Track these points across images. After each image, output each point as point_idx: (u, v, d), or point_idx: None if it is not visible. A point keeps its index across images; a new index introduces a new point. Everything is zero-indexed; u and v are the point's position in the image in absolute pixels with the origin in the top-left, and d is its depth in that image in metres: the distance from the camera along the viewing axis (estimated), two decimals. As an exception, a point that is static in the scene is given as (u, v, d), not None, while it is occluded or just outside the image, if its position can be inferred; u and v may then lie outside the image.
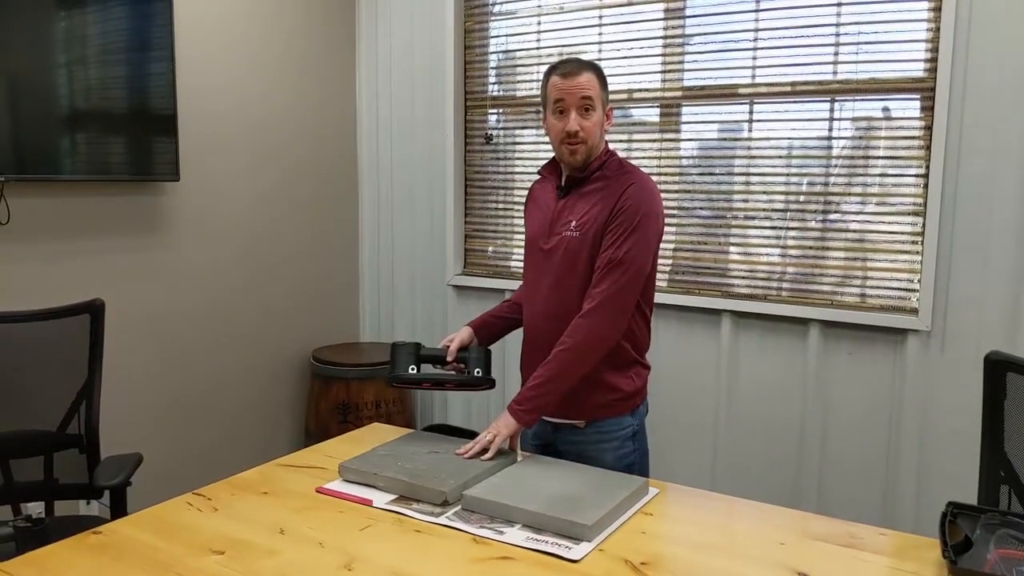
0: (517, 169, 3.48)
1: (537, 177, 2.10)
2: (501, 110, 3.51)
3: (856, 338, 2.71)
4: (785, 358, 2.83)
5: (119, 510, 2.14)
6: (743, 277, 2.93)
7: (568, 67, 1.88)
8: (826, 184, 2.76)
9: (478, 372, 2.00)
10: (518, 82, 3.44)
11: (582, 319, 1.85)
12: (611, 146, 1.98)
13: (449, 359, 2.01)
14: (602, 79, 1.91)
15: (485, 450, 1.83)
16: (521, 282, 2.16)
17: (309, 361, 3.56)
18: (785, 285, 2.86)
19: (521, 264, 3.48)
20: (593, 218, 1.88)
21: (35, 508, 2.22)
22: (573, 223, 1.91)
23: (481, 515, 1.62)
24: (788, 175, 2.82)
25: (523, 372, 2.07)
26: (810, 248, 2.81)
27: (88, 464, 2.29)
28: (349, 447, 2.03)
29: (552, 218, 1.96)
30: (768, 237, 2.87)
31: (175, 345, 3.09)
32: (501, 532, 1.55)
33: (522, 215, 2.19)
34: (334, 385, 3.35)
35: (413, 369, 1.99)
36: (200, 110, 3.08)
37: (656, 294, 2.02)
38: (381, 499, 1.70)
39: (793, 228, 2.83)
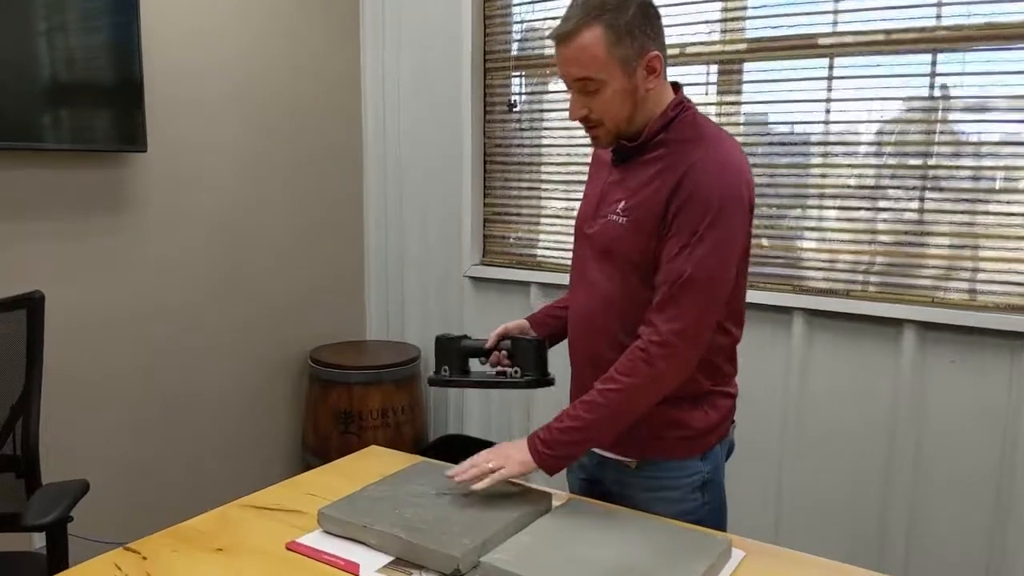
0: (545, 141, 3.02)
1: None
2: (526, 73, 3.05)
3: (962, 343, 2.23)
4: (870, 367, 2.35)
5: (57, 551, 1.72)
6: (820, 269, 2.46)
7: (561, 26, 1.37)
8: (927, 156, 2.28)
9: (516, 372, 1.61)
10: (546, 39, 2.98)
11: (641, 355, 1.37)
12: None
13: (488, 346, 1.64)
14: (617, 29, 1.35)
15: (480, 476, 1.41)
16: None
17: (307, 363, 3.13)
18: (873, 279, 2.38)
19: (551, 253, 3.06)
20: (645, 201, 1.40)
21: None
22: (621, 205, 1.43)
23: (506, 592, 1.18)
24: (879, 144, 2.34)
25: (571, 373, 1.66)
26: (906, 234, 2.33)
27: (27, 492, 1.88)
28: (335, 481, 1.59)
29: (600, 194, 1.50)
30: (852, 221, 2.39)
31: (140, 348, 2.64)
32: (534, 622, 1.10)
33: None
34: (334, 390, 2.92)
35: (445, 370, 1.65)
36: (171, 67, 2.62)
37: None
38: (372, 562, 1.27)
39: (884, 210, 2.35)
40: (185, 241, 2.74)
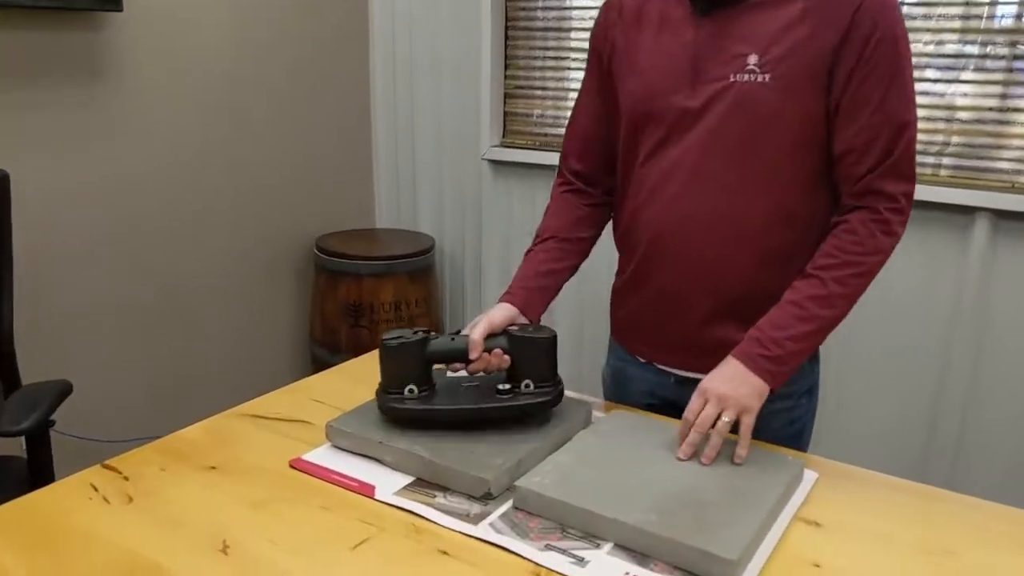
0: (575, 2, 2.70)
1: None
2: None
3: (1041, 235, 2.01)
4: (934, 259, 2.14)
5: (39, 459, 1.58)
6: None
7: None
8: (1019, 18, 1.98)
9: (528, 385, 1.19)
10: None
11: (880, 227, 1.14)
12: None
13: (474, 357, 1.19)
14: None
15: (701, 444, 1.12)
16: (564, 192, 1.41)
17: (312, 252, 2.92)
18: (946, 162, 2.12)
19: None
20: (798, 48, 1.12)
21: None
22: (753, 58, 1.14)
23: (545, 520, 1.01)
24: (966, 4, 2.04)
25: (617, 302, 1.41)
26: (988, 110, 2.06)
27: (6, 392, 1.73)
28: (344, 386, 1.42)
29: (695, 52, 1.19)
30: (928, 95, 2.12)
31: (124, 235, 2.42)
32: (581, 560, 0.93)
33: (580, 67, 1.37)
34: (343, 282, 2.72)
35: (411, 391, 1.19)
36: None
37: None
38: (389, 484, 1.09)
39: (966, 82, 2.07)
40: (171, 113, 2.47)
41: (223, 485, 1.09)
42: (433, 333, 1.22)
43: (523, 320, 1.28)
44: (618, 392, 1.43)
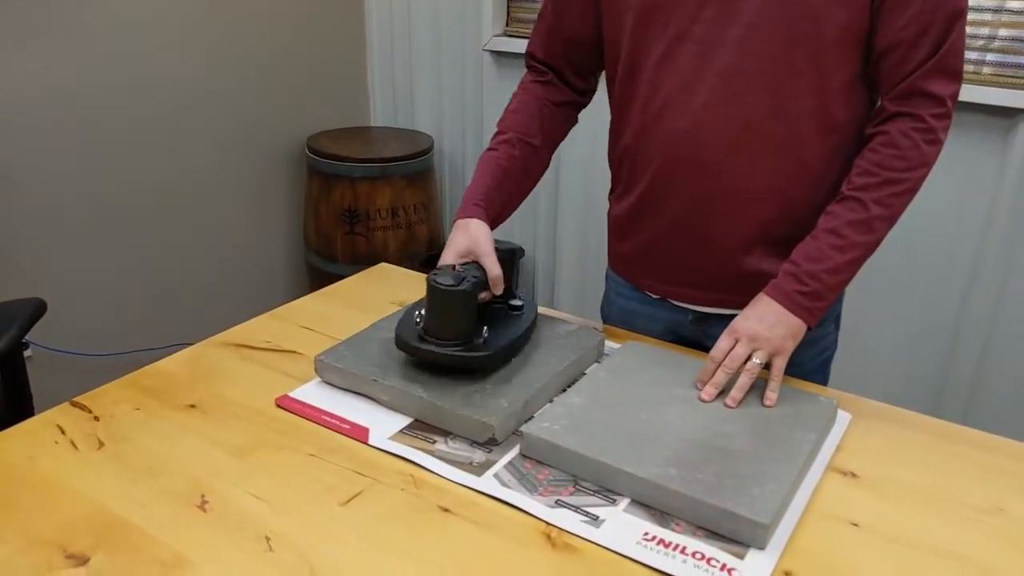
0: None
1: None
2: None
3: (1088, 140, 1.86)
4: (971, 166, 2.00)
5: (13, 380, 1.50)
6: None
7: None
8: None
9: (521, 296, 1.18)
10: None
11: (925, 137, 1.01)
12: None
13: (497, 292, 1.10)
14: None
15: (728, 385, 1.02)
16: (533, 84, 1.25)
17: (303, 152, 2.77)
18: (991, 58, 1.95)
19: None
20: None
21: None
22: None
23: (556, 472, 0.92)
24: None
25: (619, 231, 1.27)
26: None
27: (-23, 310, 1.62)
28: (336, 310, 1.31)
29: None
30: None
31: (99, 134, 2.26)
32: (596, 520, 0.85)
33: None
34: (337, 186, 2.58)
35: (481, 339, 1.06)
36: None
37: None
38: (384, 427, 1.00)
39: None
40: (153, 5, 2.29)
41: (202, 428, 0.99)
42: (463, 268, 1.08)
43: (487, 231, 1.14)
44: (632, 322, 1.31)
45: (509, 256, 1.14)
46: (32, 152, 2.12)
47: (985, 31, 1.94)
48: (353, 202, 2.57)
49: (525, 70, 1.28)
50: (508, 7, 2.72)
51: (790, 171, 1.08)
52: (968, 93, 1.91)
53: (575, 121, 1.28)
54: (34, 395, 1.57)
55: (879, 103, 1.06)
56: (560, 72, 1.24)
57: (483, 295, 1.09)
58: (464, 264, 1.08)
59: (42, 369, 2.18)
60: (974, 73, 1.97)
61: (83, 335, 2.31)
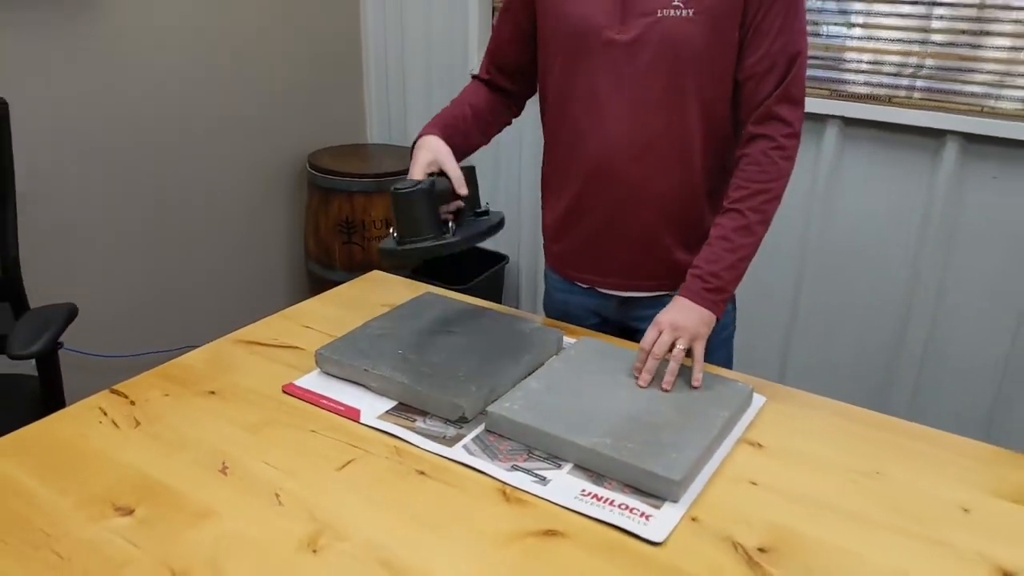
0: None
1: None
2: None
3: (1008, 158, 2.07)
4: (905, 182, 2.20)
5: (49, 378, 1.68)
6: (863, 71, 2.23)
7: None
8: (997, -60, 1.99)
9: (487, 205, 1.33)
10: None
11: (780, 153, 1.27)
12: None
13: (463, 193, 1.28)
14: None
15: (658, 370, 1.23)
16: (480, 84, 1.48)
17: (305, 168, 2.97)
18: (920, 84, 2.16)
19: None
20: None
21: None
22: None
23: (513, 443, 1.12)
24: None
25: (552, 235, 1.49)
26: (962, 33, 2.08)
27: (14, 315, 1.82)
28: (335, 312, 1.51)
29: None
30: (903, 17, 2.14)
31: (121, 155, 2.47)
32: (543, 479, 1.05)
33: None
34: (336, 199, 2.78)
35: (451, 227, 1.24)
36: None
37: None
38: (373, 408, 1.20)
39: (941, 4, 2.08)
40: (162, 31, 2.48)
41: (221, 410, 1.19)
42: (426, 179, 1.24)
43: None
44: (564, 321, 1.53)
45: (469, 171, 1.30)
46: (59, 170, 2.32)
47: (914, 60, 2.15)
48: (351, 214, 2.77)
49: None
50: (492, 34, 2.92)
51: (682, 175, 1.33)
52: (901, 116, 2.12)
53: (515, 110, 1.52)
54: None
55: (744, 127, 1.29)
56: (498, 87, 1.49)
57: (454, 204, 1.27)
58: (429, 175, 1.26)
59: (66, 368, 2.38)
60: (906, 98, 2.17)
61: (102, 337, 2.51)
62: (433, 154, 1.28)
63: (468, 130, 1.41)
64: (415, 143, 1.33)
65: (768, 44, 1.23)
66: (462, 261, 2.78)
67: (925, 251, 2.22)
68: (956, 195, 2.14)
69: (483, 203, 1.33)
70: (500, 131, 1.51)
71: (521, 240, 2.95)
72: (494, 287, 2.78)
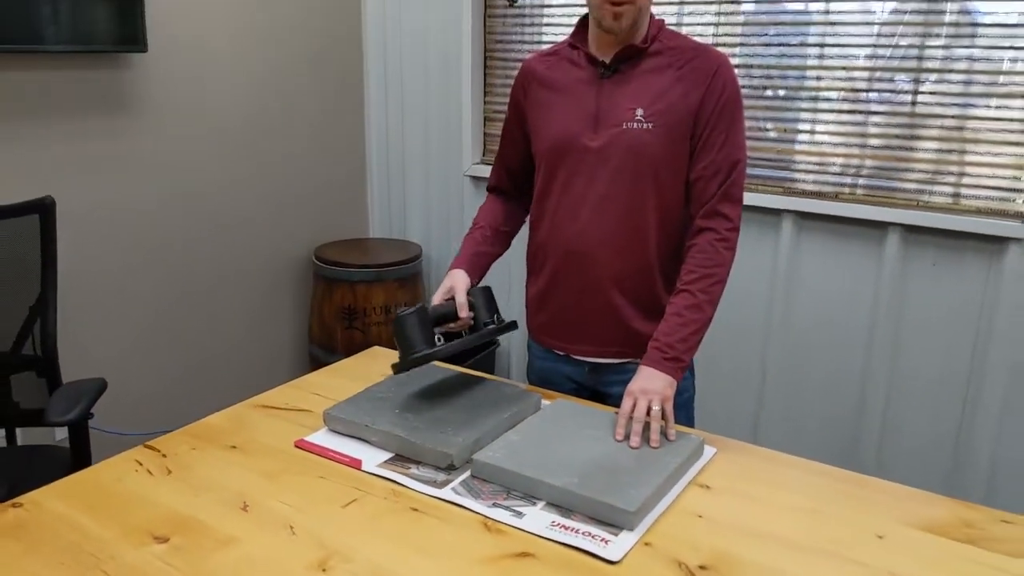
0: (546, 37, 3.00)
1: (533, 54, 1.67)
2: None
3: (944, 247, 2.30)
4: (855, 269, 2.43)
5: (79, 446, 1.85)
6: (810, 171, 2.50)
7: None
8: (920, 59, 2.28)
9: (496, 319, 1.60)
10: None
11: (723, 244, 1.50)
12: (656, 12, 1.56)
13: (464, 315, 1.55)
14: None
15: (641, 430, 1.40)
16: (494, 197, 1.78)
17: (311, 261, 3.21)
18: (861, 182, 2.42)
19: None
20: (673, 104, 1.48)
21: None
22: (639, 111, 1.49)
23: (495, 486, 1.29)
24: (873, 47, 2.34)
25: (534, 308, 1.71)
26: (895, 138, 2.35)
27: (48, 389, 2.00)
28: (339, 382, 1.70)
29: (597, 106, 1.53)
30: (844, 124, 2.42)
31: (149, 249, 2.72)
32: (519, 514, 1.22)
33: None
34: (338, 288, 3.01)
35: (440, 340, 1.50)
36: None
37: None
38: (373, 459, 1.38)
39: (876, 113, 2.37)
40: (188, 142, 2.77)
41: (242, 460, 1.37)
42: (421, 304, 1.54)
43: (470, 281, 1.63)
44: (544, 387, 1.73)
45: (485, 291, 1.60)
46: (95, 260, 2.56)
47: (856, 161, 2.41)
48: (352, 301, 2.99)
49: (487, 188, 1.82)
50: (484, 141, 3.23)
51: (641, 257, 1.56)
52: (847, 210, 2.37)
53: (524, 218, 1.79)
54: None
55: (693, 221, 1.53)
56: (506, 191, 1.76)
57: (459, 323, 1.55)
58: (447, 300, 1.57)
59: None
60: (850, 194, 2.43)
61: (127, 414, 2.68)
62: (451, 283, 1.60)
63: (489, 250, 1.71)
64: (447, 272, 1.65)
65: (713, 154, 1.49)
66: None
67: (877, 331, 2.43)
68: (901, 281, 2.36)
69: (492, 316, 1.59)
70: (518, 230, 1.79)
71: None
72: (486, 367, 2.97)
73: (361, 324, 3.00)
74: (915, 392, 2.42)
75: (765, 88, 2.51)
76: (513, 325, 1.61)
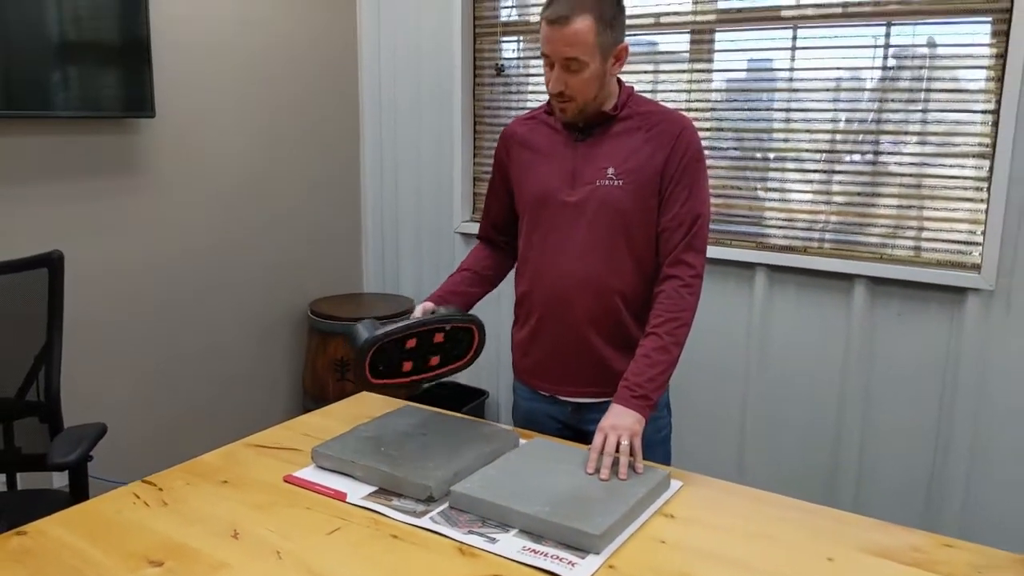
0: (531, 103, 3.16)
1: (514, 119, 1.82)
2: (515, 38, 3.18)
3: (907, 297, 2.41)
4: (825, 319, 2.54)
5: (79, 488, 1.93)
6: (780, 227, 2.63)
7: (557, 9, 1.52)
8: (879, 122, 2.43)
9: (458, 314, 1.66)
10: (533, 4, 3.09)
11: (687, 291, 1.61)
12: (633, 79, 1.69)
13: (418, 313, 1.66)
14: (603, 21, 1.53)
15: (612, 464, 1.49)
16: (482, 245, 1.91)
17: (307, 315, 3.32)
18: (828, 236, 2.55)
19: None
20: (641, 164, 1.62)
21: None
22: (611, 170, 1.63)
23: (471, 515, 1.38)
24: (835, 111, 2.49)
25: (521, 352, 1.82)
26: (858, 195, 2.49)
27: (50, 434, 2.08)
28: (329, 423, 1.79)
29: (574, 165, 1.67)
30: (810, 182, 2.56)
31: (151, 302, 2.84)
32: (493, 540, 1.30)
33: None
34: (332, 340, 3.11)
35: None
36: (179, 37, 2.78)
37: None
38: (357, 492, 1.46)
39: (839, 172, 2.51)
40: (191, 202, 2.91)
41: (233, 494, 1.45)
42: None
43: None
44: (529, 427, 1.82)
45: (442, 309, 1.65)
46: (99, 312, 2.66)
47: (823, 217, 2.55)
48: (345, 353, 3.08)
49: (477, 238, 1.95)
50: (473, 200, 3.37)
51: (617, 301, 1.67)
52: (815, 263, 2.50)
53: (510, 265, 1.90)
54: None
55: (661, 269, 1.64)
56: (493, 240, 1.89)
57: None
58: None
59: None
60: (818, 247, 2.56)
61: (125, 459, 2.76)
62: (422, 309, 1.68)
63: (466, 290, 1.82)
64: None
65: (677, 208, 1.62)
66: (447, 398, 3.08)
67: (849, 380, 2.52)
68: (869, 331, 2.47)
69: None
70: (504, 275, 1.90)
71: (499, 376, 3.25)
72: (475, 416, 3.04)
73: (353, 376, 3.08)
74: (888, 439, 2.51)
75: (735, 149, 2.66)
76: (474, 317, 1.65)
